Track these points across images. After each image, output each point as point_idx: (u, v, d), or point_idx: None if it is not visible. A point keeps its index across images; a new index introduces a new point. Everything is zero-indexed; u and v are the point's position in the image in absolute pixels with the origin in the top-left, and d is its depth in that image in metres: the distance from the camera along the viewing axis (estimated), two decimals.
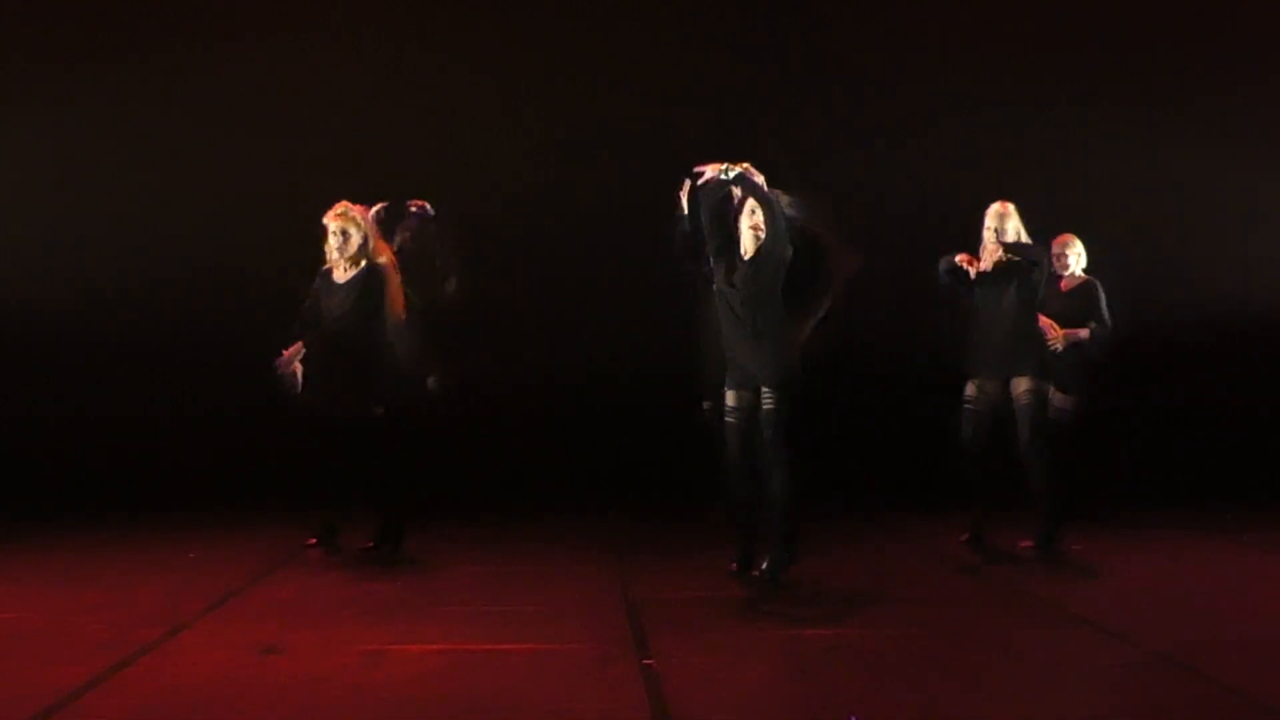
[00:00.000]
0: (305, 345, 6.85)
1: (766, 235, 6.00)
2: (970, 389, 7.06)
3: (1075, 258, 7.76)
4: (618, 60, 9.51)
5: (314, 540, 7.03)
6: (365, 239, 6.80)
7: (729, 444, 6.12)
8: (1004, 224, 6.99)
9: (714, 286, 6.14)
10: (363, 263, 6.81)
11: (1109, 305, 7.68)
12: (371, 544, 6.95)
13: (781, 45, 9.70)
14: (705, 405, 7.10)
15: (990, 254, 7.01)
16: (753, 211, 6.05)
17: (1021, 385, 6.90)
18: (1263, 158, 9.75)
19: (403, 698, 4.21)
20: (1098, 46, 9.72)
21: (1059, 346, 7.33)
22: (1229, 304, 9.64)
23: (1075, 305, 7.60)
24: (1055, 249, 7.68)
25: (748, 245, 6.07)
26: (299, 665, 4.65)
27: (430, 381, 7.33)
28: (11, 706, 4.05)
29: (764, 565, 6.04)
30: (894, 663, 4.66)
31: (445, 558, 7.08)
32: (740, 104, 9.63)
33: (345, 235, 6.77)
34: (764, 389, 6.00)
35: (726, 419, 6.14)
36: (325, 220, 6.80)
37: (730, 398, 6.12)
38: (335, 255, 6.80)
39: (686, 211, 6.28)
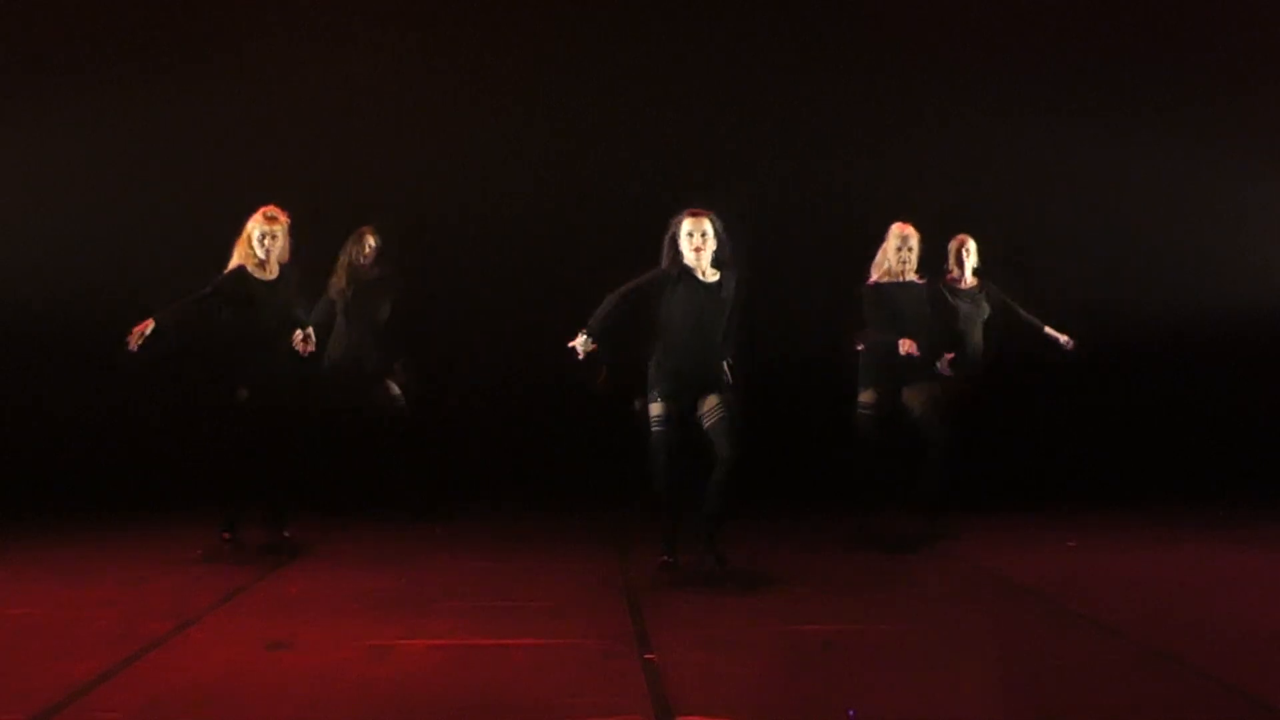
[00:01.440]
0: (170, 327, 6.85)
1: (724, 253, 6.12)
2: (869, 396, 7.30)
3: (968, 256, 7.96)
4: (607, 66, 9.52)
5: (287, 533, 7.06)
6: (286, 242, 7.01)
7: (664, 452, 6.04)
8: (914, 243, 7.24)
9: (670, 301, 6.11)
10: (280, 264, 6.99)
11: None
12: (285, 534, 7.09)
13: (766, 51, 9.71)
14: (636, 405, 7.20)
15: (909, 272, 7.23)
16: (689, 235, 6.08)
17: (923, 392, 7.17)
18: (1242, 161, 9.78)
19: (408, 692, 4.22)
20: (1073, 53, 9.74)
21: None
22: (1222, 302, 9.65)
23: (982, 304, 7.93)
24: (953, 249, 7.93)
25: (693, 261, 6.09)
26: (306, 660, 4.66)
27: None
28: (23, 701, 4.05)
29: (713, 555, 6.08)
30: (891, 657, 4.67)
31: (450, 554, 7.09)
32: (730, 107, 9.67)
33: (274, 237, 6.94)
34: (716, 395, 6.05)
35: (662, 428, 6.05)
36: (256, 223, 6.94)
37: (663, 408, 6.06)
38: (261, 256, 6.93)
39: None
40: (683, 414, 6.10)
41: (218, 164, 9.14)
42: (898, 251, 7.24)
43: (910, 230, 7.27)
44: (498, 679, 4.38)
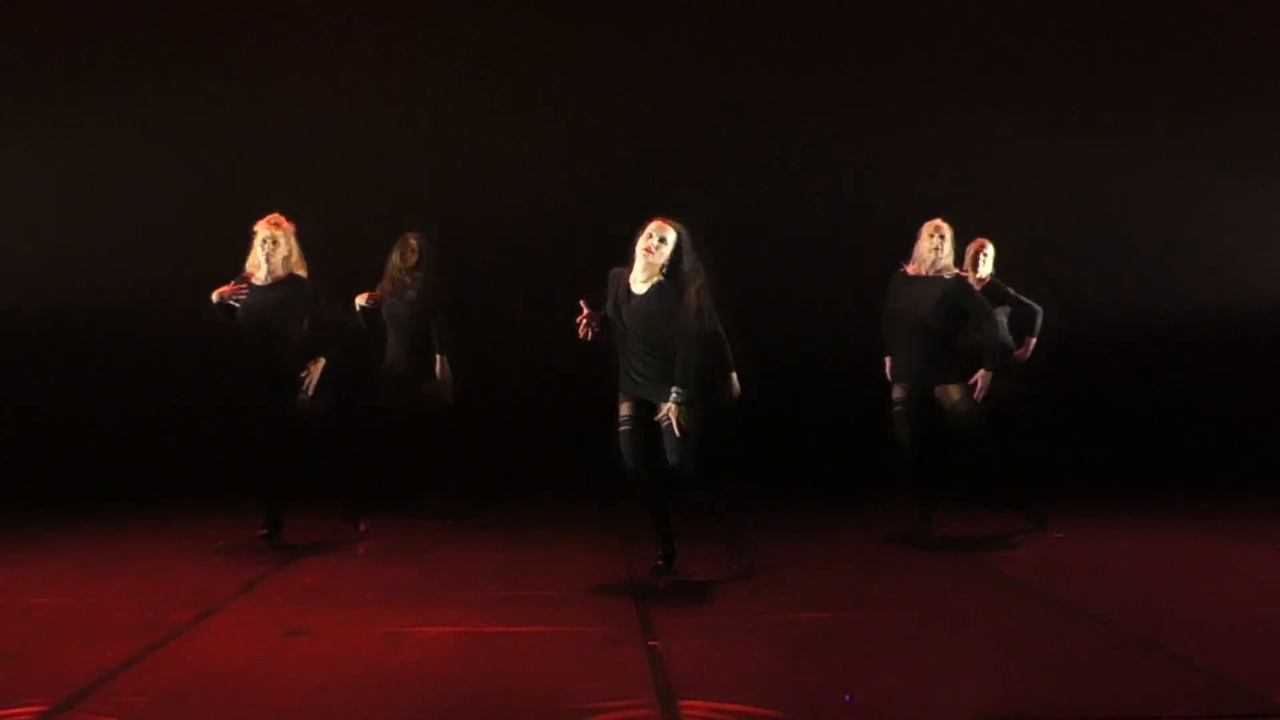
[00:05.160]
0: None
1: (681, 265, 5.82)
2: (898, 392, 7.14)
3: (984, 260, 7.95)
4: (608, 69, 9.54)
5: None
6: (290, 250, 6.97)
7: (628, 456, 5.93)
8: (946, 233, 7.08)
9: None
10: (285, 272, 6.96)
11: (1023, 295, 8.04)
12: (360, 527, 7.23)
13: (758, 53, 9.71)
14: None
15: (928, 266, 7.08)
16: (649, 235, 5.80)
17: (955, 393, 7.00)
18: (1241, 163, 9.78)
19: (421, 677, 4.25)
20: (1074, 56, 9.74)
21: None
22: (1215, 302, 9.65)
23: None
24: (971, 251, 7.88)
25: (640, 263, 5.82)
26: (323, 646, 4.69)
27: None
28: (51, 685, 4.09)
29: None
30: (886, 645, 4.69)
31: (460, 546, 7.10)
32: (722, 110, 9.68)
33: (275, 243, 6.93)
34: (665, 404, 5.75)
35: (625, 427, 5.93)
36: (259, 229, 6.94)
37: (627, 407, 5.94)
38: (262, 261, 6.92)
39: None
40: (642, 416, 5.89)
41: (219, 168, 9.15)
42: (930, 239, 7.06)
43: (942, 224, 7.10)
44: (507, 665, 4.40)
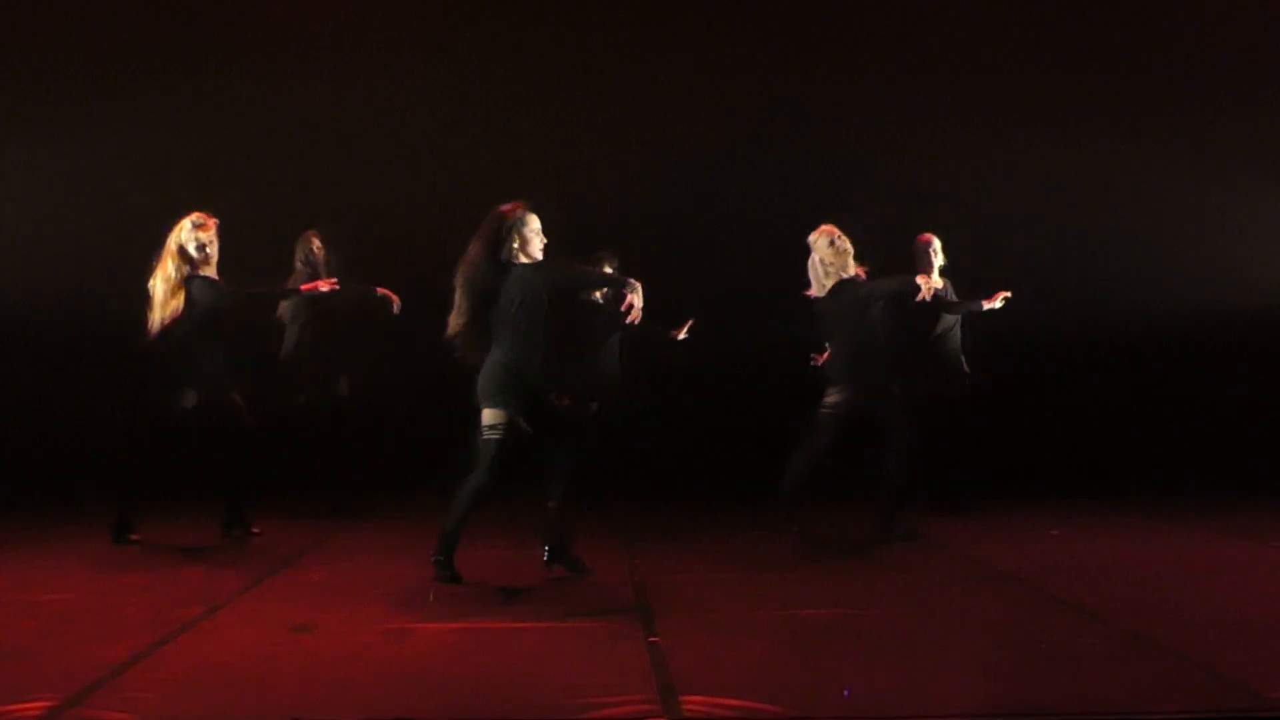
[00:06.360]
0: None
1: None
2: (835, 396, 7.01)
3: (935, 255, 7.88)
4: (609, 69, 9.55)
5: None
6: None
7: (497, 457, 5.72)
8: (847, 251, 7.01)
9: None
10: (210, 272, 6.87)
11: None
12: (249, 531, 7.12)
13: (759, 53, 9.73)
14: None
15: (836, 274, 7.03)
16: (539, 232, 5.75)
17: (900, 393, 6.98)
18: (1238, 166, 9.81)
19: (425, 672, 4.27)
20: (1074, 59, 9.76)
21: None
22: (1211, 303, 9.68)
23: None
24: (920, 247, 7.84)
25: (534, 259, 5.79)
26: (328, 642, 4.70)
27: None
28: (62, 681, 4.10)
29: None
30: (884, 641, 4.70)
31: (464, 543, 7.08)
32: (722, 110, 9.70)
33: (213, 243, 6.81)
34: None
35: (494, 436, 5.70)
36: (194, 234, 6.75)
37: (501, 416, 5.70)
38: (202, 261, 6.79)
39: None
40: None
41: (213, 169, 9.15)
42: (829, 247, 7.00)
43: (832, 229, 7.03)
44: (510, 660, 4.41)
